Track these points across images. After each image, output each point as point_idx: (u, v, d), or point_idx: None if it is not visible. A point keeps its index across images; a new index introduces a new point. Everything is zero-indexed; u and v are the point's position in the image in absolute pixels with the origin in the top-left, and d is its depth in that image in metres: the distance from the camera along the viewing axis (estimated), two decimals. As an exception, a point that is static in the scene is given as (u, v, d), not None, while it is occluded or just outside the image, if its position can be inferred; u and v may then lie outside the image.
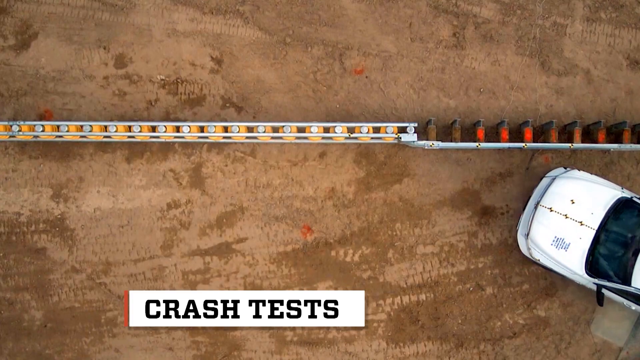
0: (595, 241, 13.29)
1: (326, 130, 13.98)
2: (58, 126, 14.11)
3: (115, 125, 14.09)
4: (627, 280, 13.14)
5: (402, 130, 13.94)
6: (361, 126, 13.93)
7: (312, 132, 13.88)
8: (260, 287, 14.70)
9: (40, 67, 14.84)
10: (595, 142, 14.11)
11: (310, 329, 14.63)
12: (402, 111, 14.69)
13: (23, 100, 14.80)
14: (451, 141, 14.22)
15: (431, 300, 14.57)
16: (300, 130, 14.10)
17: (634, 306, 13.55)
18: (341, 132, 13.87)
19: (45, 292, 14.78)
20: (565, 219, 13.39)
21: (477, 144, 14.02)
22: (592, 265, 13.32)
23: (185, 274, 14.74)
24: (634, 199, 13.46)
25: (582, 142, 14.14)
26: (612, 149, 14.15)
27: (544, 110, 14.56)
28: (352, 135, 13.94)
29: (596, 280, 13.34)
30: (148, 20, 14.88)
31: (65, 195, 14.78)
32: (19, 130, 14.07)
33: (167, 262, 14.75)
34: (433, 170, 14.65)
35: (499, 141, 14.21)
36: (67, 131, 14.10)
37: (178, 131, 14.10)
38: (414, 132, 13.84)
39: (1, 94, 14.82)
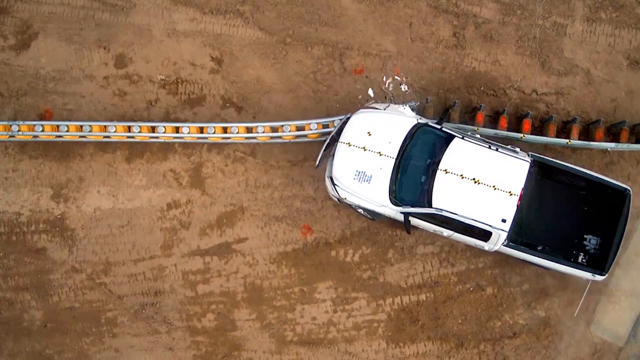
0: (396, 169, 13.04)
1: (325, 127, 13.97)
2: (58, 126, 14.13)
3: (115, 126, 14.10)
4: (429, 203, 12.89)
5: None
6: None
7: (311, 130, 13.88)
8: (260, 287, 14.69)
9: (41, 67, 14.84)
10: (594, 140, 14.07)
11: (310, 329, 14.64)
12: (402, 111, 14.66)
13: (23, 100, 14.80)
14: (449, 122, 13.99)
15: (431, 300, 14.56)
16: (300, 128, 14.09)
17: (445, 232, 13.26)
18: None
19: (45, 292, 14.77)
20: (364, 151, 13.12)
21: (475, 127, 13.86)
22: (396, 194, 13.06)
23: (185, 274, 14.73)
24: (430, 123, 13.24)
25: (581, 140, 14.10)
26: (609, 148, 14.12)
27: (544, 109, 14.55)
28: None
29: (401, 209, 13.10)
30: (148, 20, 14.88)
31: (65, 195, 14.77)
32: (19, 130, 14.09)
33: (167, 262, 14.74)
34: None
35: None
36: (67, 131, 14.12)
37: (178, 131, 14.12)
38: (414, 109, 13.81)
39: (1, 94, 14.82)
